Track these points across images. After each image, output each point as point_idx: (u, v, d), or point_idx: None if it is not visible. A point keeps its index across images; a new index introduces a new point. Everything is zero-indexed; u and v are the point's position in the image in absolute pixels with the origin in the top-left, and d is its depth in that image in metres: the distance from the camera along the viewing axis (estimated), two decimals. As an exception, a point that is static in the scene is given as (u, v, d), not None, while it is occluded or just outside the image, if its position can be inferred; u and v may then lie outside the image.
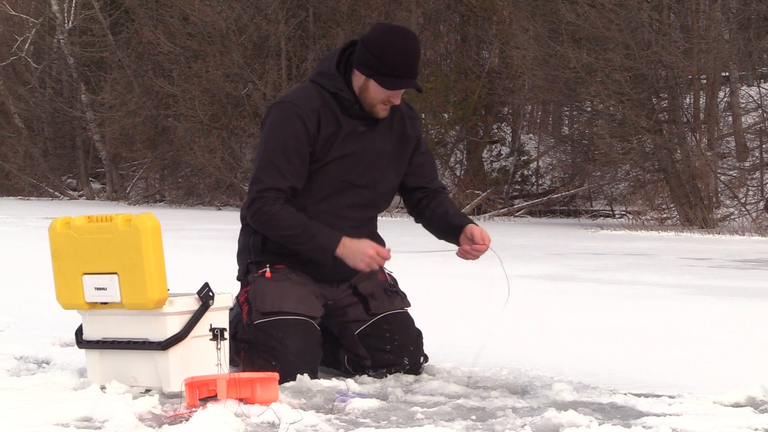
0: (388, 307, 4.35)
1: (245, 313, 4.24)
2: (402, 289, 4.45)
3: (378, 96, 4.15)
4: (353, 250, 4.11)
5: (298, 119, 4.13)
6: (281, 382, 3.90)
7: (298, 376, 4.03)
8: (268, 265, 4.24)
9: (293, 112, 4.15)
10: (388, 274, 4.42)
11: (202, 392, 3.66)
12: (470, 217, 4.43)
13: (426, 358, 4.38)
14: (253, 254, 4.29)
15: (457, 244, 4.29)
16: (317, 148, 4.16)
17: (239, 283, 4.39)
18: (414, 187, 4.41)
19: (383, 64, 4.09)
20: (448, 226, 4.32)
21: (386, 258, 4.15)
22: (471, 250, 4.24)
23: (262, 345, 4.12)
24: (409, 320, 4.39)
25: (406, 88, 4.15)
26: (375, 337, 4.30)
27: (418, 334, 4.38)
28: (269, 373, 3.75)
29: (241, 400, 3.65)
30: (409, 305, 4.42)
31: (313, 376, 4.11)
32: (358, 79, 4.17)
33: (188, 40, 25.19)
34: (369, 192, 4.26)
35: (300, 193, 4.20)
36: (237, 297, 4.34)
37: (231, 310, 4.45)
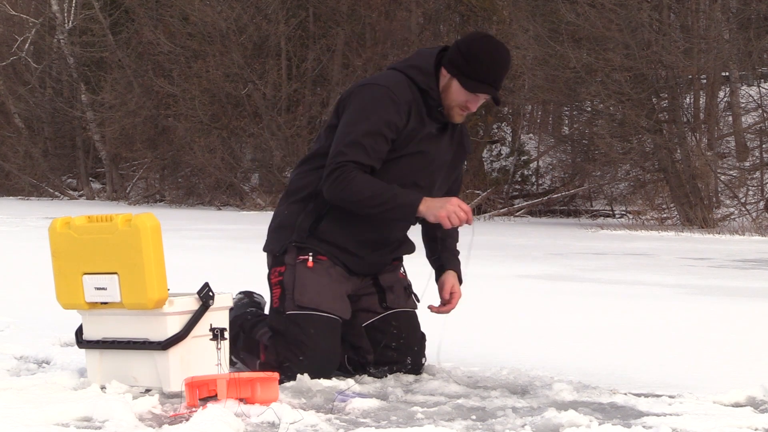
0: (402, 304, 4.36)
1: (277, 297, 4.21)
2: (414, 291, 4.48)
3: (457, 98, 4.17)
4: (435, 205, 4.10)
5: (394, 105, 4.13)
6: (311, 375, 3.99)
7: (298, 376, 4.03)
8: (311, 254, 4.20)
9: (389, 97, 4.14)
10: (402, 272, 4.44)
11: (202, 392, 3.66)
12: (457, 254, 4.48)
13: (426, 359, 4.39)
14: (297, 235, 4.22)
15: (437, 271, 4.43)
16: (400, 139, 4.16)
17: (266, 254, 4.32)
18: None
19: (469, 65, 4.13)
20: (436, 258, 4.43)
21: (468, 214, 4.13)
22: (437, 310, 4.36)
23: (292, 337, 4.11)
24: (417, 321, 4.41)
25: (486, 94, 4.18)
26: (382, 332, 4.31)
27: (423, 337, 4.40)
28: (269, 373, 3.75)
29: (241, 400, 3.65)
30: (417, 306, 4.44)
31: (330, 377, 4.12)
32: (443, 78, 4.19)
33: (188, 40, 25.20)
34: (426, 193, 4.24)
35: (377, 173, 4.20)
36: (268, 276, 4.28)
37: (239, 304, 4.46)
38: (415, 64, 4.23)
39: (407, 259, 4.45)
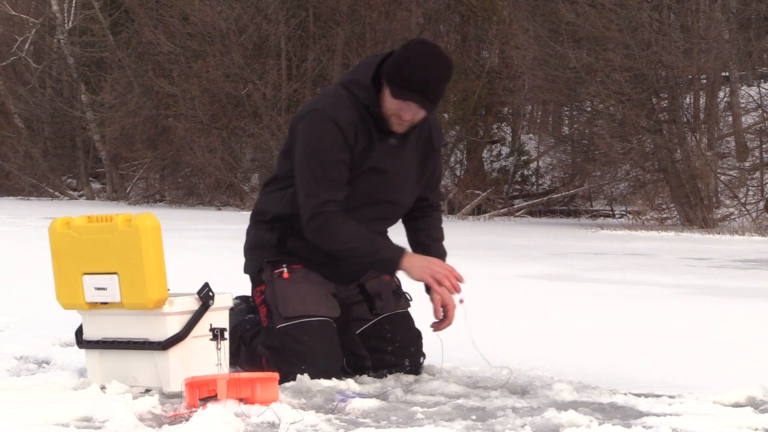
0: (392, 308, 4.35)
1: (264, 316, 4.22)
2: (405, 290, 4.45)
3: (390, 106, 4.07)
4: (418, 264, 4.08)
5: (338, 130, 4.06)
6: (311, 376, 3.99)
7: (298, 375, 4.03)
8: (285, 265, 4.21)
9: (331, 121, 4.06)
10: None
11: (202, 392, 3.66)
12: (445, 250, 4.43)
13: (424, 356, 4.37)
14: (268, 252, 4.25)
15: None
16: (352, 160, 4.11)
17: (247, 276, 4.35)
18: (419, 196, 4.37)
19: (397, 71, 4.01)
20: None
21: (459, 280, 4.09)
22: (437, 328, 4.23)
23: (289, 349, 4.10)
24: (410, 320, 4.39)
25: (414, 103, 4.01)
26: (376, 338, 4.30)
27: (418, 335, 4.37)
28: (269, 373, 3.75)
29: (241, 400, 3.65)
30: (410, 305, 4.41)
31: (338, 376, 4.12)
32: (384, 87, 4.09)
33: (188, 40, 25.19)
34: (392, 206, 4.25)
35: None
36: (252, 297, 4.32)
37: (237, 310, 4.45)
38: (354, 78, 4.14)
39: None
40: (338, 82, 4.23)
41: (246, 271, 4.36)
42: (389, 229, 4.42)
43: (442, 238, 4.43)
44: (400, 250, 4.10)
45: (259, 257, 4.28)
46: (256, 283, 4.30)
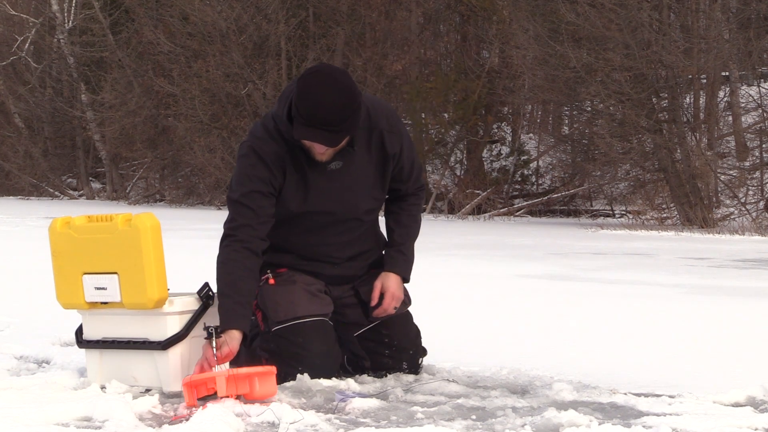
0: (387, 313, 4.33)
1: (260, 321, 4.22)
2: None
3: (303, 142, 4.02)
4: (223, 346, 3.90)
5: (262, 163, 4.04)
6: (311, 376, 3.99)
7: (298, 375, 4.03)
8: (269, 271, 4.21)
9: (257, 155, 4.05)
10: None
11: (201, 392, 3.66)
12: (409, 252, 4.38)
13: (425, 352, 4.36)
14: None
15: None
16: (286, 197, 4.09)
17: None
18: (390, 188, 4.33)
19: (296, 108, 3.93)
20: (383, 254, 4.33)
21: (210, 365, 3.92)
22: (375, 314, 4.24)
23: (285, 352, 4.10)
24: (408, 321, 4.36)
25: (310, 141, 3.94)
26: (374, 342, 4.29)
27: (417, 334, 4.35)
28: (267, 367, 3.75)
29: (238, 397, 3.65)
30: (409, 305, 4.39)
31: (337, 375, 4.11)
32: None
33: (188, 39, 25.19)
34: (353, 219, 4.22)
35: (284, 225, 4.15)
36: None
37: None
38: (277, 111, 4.09)
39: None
40: (269, 112, 4.19)
41: None
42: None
43: (411, 223, 4.35)
44: (230, 323, 3.90)
45: None
46: None
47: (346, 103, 3.89)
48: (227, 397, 3.65)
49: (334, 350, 4.17)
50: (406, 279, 4.31)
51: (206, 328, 3.92)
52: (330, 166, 4.09)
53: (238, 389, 3.67)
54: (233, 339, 3.88)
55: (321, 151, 4.01)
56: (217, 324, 3.93)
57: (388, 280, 4.26)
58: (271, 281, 4.19)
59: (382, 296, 4.25)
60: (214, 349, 3.85)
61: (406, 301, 4.37)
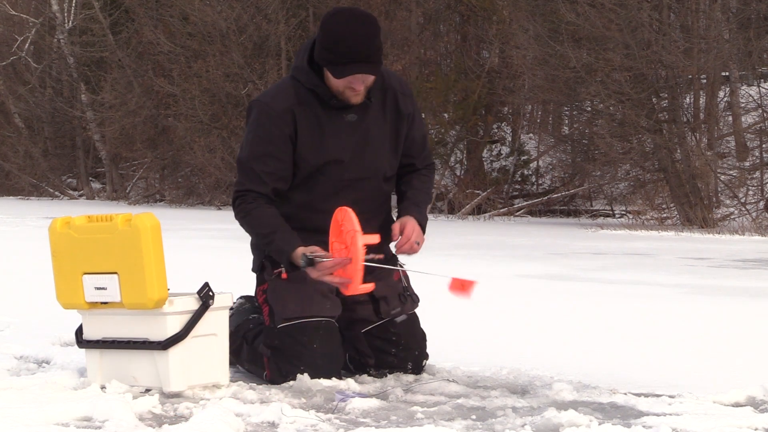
0: (398, 313, 4.32)
1: (267, 315, 4.20)
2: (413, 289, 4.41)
3: (338, 85, 4.05)
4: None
5: (271, 120, 4.07)
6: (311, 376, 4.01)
7: (298, 375, 4.03)
8: (282, 266, 4.16)
9: (265, 112, 4.09)
10: (402, 271, 4.32)
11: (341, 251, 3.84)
12: (426, 215, 4.32)
13: (428, 356, 4.37)
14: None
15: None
16: (302, 149, 4.09)
17: (250, 275, 4.35)
18: (402, 164, 4.32)
19: (330, 52, 3.98)
20: (398, 210, 4.27)
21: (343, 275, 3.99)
22: (398, 252, 4.16)
23: (289, 349, 4.09)
24: (416, 322, 4.36)
25: (358, 74, 3.98)
26: (381, 339, 4.28)
27: (423, 337, 4.35)
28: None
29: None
30: (417, 305, 4.38)
31: (338, 376, 4.11)
32: (325, 70, 4.07)
33: (188, 39, 25.19)
34: (373, 182, 4.20)
35: (304, 192, 4.15)
36: (255, 295, 4.32)
37: (241, 309, 4.45)
38: (296, 64, 4.15)
39: (409, 258, 4.40)
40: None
41: (252, 269, 4.36)
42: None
43: (423, 188, 4.32)
44: (294, 244, 4.02)
45: (259, 255, 4.28)
46: (260, 281, 4.28)
47: (376, 32, 3.99)
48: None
49: (337, 352, 4.16)
50: (422, 226, 4.23)
51: (304, 260, 3.95)
52: (347, 117, 4.11)
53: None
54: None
55: (360, 89, 4.04)
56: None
57: (406, 220, 4.16)
58: (284, 275, 4.16)
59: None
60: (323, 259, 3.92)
61: (415, 301, 4.34)
